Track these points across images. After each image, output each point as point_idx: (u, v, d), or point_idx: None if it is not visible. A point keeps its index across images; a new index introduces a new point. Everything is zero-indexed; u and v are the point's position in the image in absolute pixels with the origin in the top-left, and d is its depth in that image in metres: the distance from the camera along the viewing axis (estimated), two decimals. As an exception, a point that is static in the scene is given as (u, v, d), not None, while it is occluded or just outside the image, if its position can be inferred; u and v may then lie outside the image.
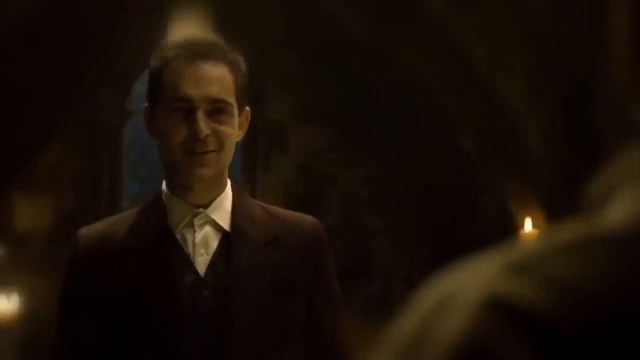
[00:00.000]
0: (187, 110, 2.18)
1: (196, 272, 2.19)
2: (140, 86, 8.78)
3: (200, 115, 2.17)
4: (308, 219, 2.36)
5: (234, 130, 2.24)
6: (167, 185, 2.28)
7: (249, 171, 9.06)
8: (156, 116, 2.23)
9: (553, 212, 6.70)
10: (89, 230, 2.25)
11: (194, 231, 2.21)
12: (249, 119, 2.35)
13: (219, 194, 2.25)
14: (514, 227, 7.15)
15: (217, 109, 2.21)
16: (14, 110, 7.49)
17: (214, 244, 2.22)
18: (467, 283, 0.57)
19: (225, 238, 2.23)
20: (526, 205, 7.19)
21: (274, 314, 2.22)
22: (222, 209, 2.25)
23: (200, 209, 2.23)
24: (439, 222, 8.60)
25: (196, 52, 2.23)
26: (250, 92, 9.82)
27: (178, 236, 2.21)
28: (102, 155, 8.58)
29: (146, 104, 2.27)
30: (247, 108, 2.35)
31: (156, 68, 2.25)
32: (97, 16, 7.43)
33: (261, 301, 2.20)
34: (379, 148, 8.76)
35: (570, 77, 6.09)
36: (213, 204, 2.24)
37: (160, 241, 2.20)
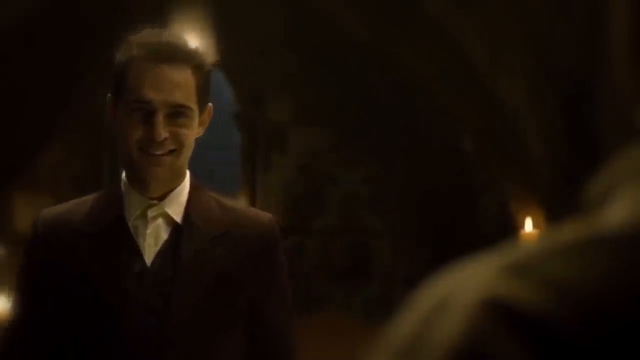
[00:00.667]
0: (147, 111, 2.22)
1: (143, 262, 2.25)
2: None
3: (159, 119, 2.21)
4: (263, 215, 2.43)
5: (193, 131, 2.29)
6: (126, 175, 2.32)
7: (249, 171, 9.06)
8: (117, 110, 2.28)
9: (553, 212, 6.69)
10: (49, 212, 2.34)
11: (147, 222, 2.27)
12: (211, 114, 2.39)
13: (175, 188, 2.32)
14: (514, 228, 7.15)
15: (176, 113, 2.24)
16: (14, 110, 7.49)
17: (165, 235, 2.28)
18: (465, 284, 0.57)
19: (177, 230, 2.29)
20: (526, 206, 7.18)
21: (215, 306, 2.27)
22: (177, 202, 2.31)
23: (155, 201, 2.29)
24: (439, 223, 8.60)
25: (161, 54, 2.25)
26: (250, 92, 9.81)
27: (131, 226, 2.27)
28: (102, 155, 8.58)
29: (109, 95, 2.30)
30: (210, 104, 2.37)
31: (121, 64, 2.28)
32: (97, 16, 7.44)
33: (203, 293, 2.25)
34: (379, 148, 8.76)
35: (570, 77, 6.09)
36: (168, 197, 2.30)
37: (113, 229, 2.27)
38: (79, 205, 2.35)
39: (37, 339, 2.28)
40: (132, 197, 2.30)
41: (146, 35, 2.31)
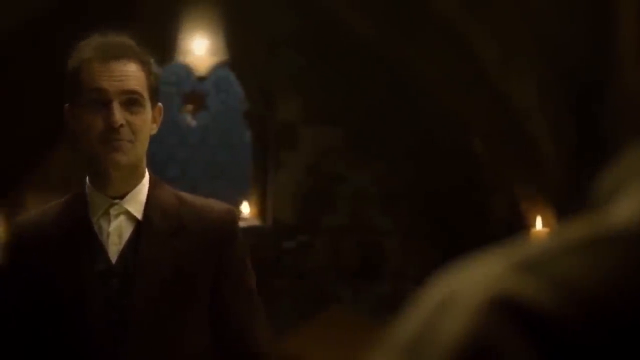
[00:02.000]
0: (103, 102, 2.36)
1: (108, 260, 2.35)
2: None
3: (116, 106, 2.35)
4: (220, 207, 2.50)
5: (147, 124, 2.41)
6: (89, 179, 2.44)
7: (259, 170, 9.06)
8: (75, 113, 2.42)
9: (563, 211, 6.68)
10: (22, 218, 2.52)
11: (110, 221, 2.38)
12: (162, 114, 2.49)
13: (135, 186, 2.42)
14: (525, 227, 7.14)
15: (130, 100, 2.37)
16: (25, 110, 7.51)
17: (127, 233, 2.38)
18: (473, 281, 0.57)
19: (138, 227, 2.39)
20: (536, 206, 7.18)
21: (175, 301, 2.36)
22: (137, 200, 2.41)
23: (117, 200, 2.39)
24: (449, 222, 8.59)
25: (109, 52, 2.40)
26: (261, 92, 9.79)
27: (95, 226, 2.38)
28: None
29: (66, 105, 2.46)
30: (160, 104, 2.48)
31: (73, 68, 2.43)
32: (106, 16, 7.45)
33: (162, 288, 2.34)
34: (389, 148, 8.75)
35: (580, 77, 6.08)
36: (128, 195, 2.40)
37: (78, 231, 2.38)
38: (49, 210, 2.49)
39: (10, 338, 2.38)
40: (95, 198, 2.41)
41: (94, 39, 2.45)
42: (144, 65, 2.43)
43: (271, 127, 8.93)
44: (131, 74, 2.39)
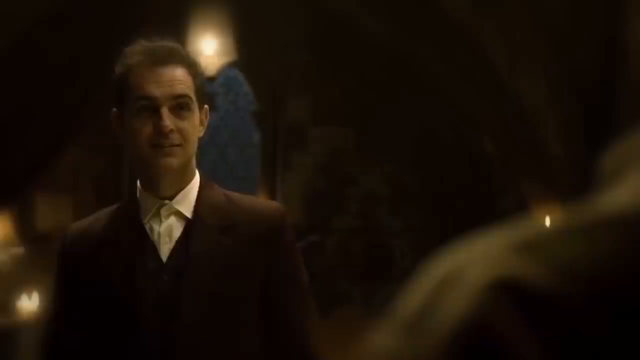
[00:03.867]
0: (152, 108, 2.38)
1: (159, 259, 2.39)
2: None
3: (165, 112, 2.37)
4: (270, 205, 2.55)
5: (195, 126, 2.43)
6: (140, 182, 2.48)
7: (269, 171, 9.07)
8: (123, 118, 2.42)
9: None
10: (76, 225, 2.55)
11: (161, 221, 2.43)
12: (208, 116, 2.51)
13: (185, 186, 2.45)
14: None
15: (179, 105, 2.39)
16: (34, 113, 7.53)
17: (178, 232, 2.43)
18: (475, 261, 0.57)
19: (189, 226, 2.43)
20: (546, 205, 7.17)
21: (225, 296, 2.39)
22: (187, 200, 2.45)
23: (167, 201, 2.43)
24: (458, 222, 8.59)
25: (156, 57, 2.42)
26: (270, 92, 9.80)
27: (147, 227, 2.42)
28: (122, 155, 8.61)
29: (114, 109, 2.46)
30: (206, 106, 2.50)
31: (120, 74, 2.43)
32: (117, 17, 7.46)
33: (213, 283, 2.38)
34: (398, 149, 8.75)
35: (590, 78, 6.08)
36: (178, 196, 2.44)
37: (130, 232, 2.43)
38: (103, 215, 2.53)
39: (70, 339, 2.45)
40: (145, 200, 2.44)
41: (140, 45, 2.46)
42: (191, 68, 2.45)
43: (280, 127, 8.94)
44: (179, 78, 2.41)
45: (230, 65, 8.91)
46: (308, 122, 8.83)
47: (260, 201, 2.58)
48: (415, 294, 0.59)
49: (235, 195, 2.53)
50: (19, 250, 8.18)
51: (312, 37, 8.58)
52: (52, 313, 2.53)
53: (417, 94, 8.48)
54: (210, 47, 8.60)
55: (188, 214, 2.43)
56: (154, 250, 2.41)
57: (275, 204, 2.55)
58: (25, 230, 8.23)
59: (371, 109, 8.67)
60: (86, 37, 7.53)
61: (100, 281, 2.40)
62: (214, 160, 10.31)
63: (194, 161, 2.47)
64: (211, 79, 8.85)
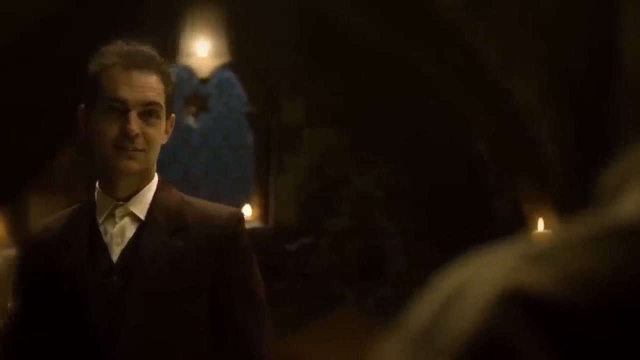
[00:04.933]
0: (121, 111, 2.41)
1: (110, 259, 2.44)
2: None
3: (133, 116, 2.40)
4: (225, 210, 2.54)
5: (161, 134, 2.48)
6: (98, 183, 2.53)
7: (263, 172, 9.07)
8: (91, 116, 2.46)
9: (565, 212, 6.68)
10: (39, 226, 2.62)
11: (115, 222, 2.47)
12: (173, 124, 2.55)
13: (141, 189, 2.49)
14: (527, 228, 7.13)
15: (148, 112, 2.43)
16: (29, 115, 7.51)
17: (130, 233, 2.46)
18: (484, 273, 0.57)
19: (141, 228, 2.47)
20: (539, 206, 7.17)
21: (172, 299, 2.42)
22: (142, 201, 2.48)
23: (121, 202, 2.47)
24: (452, 224, 8.59)
25: (132, 61, 2.45)
26: (263, 94, 9.78)
27: (101, 228, 2.47)
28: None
29: (81, 106, 2.49)
30: (173, 115, 2.54)
31: (94, 73, 2.47)
32: (111, 18, 7.46)
33: (160, 286, 2.41)
34: (391, 149, 8.75)
35: (582, 78, 6.08)
36: (134, 198, 2.48)
37: (85, 232, 2.48)
38: (61, 215, 2.58)
39: (26, 337, 2.51)
40: (102, 201, 2.49)
41: (117, 46, 2.49)
42: (164, 76, 2.48)
43: (274, 129, 8.94)
44: (152, 85, 2.43)
45: (224, 67, 8.90)
46: (302, 123, 8.83)
47: (217, 206, 2.57)
48: (425, 307, 0.59)
49: (193, 199, 2.55)
50: (11, 251, 8.17)
51: (306, 38, 8.57)
52: (10, 313, 2.57)
53: (410, 95, 8.48)
54: (203, 49, 8.59)
55: (142, 215, 2.46)
56: (106, 251, 2.44)
57: (232, 209, 2.55)
58: (18, 232, 8.21)
59: (365, 110, 8.67)
60: (81, 37, 7.52)
61: (53, 281, 2.44)
62: (207, 161, 10.31)
63: (155, 166, 2.51)
64: (205, 81, 8.85)
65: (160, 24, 8.15)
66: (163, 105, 2.45)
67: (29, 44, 7.27)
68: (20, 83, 7.34)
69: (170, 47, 8.43)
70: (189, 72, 9.09)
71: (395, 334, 0.59)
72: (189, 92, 9.34)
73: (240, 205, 8.92)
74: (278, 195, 8.85)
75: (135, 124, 2.39)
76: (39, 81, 7.39)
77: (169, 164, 10.12)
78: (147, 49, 2.50)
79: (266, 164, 9.03)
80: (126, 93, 2.41)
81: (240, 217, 2.53)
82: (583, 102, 6.19)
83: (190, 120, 9.17)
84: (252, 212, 8.92)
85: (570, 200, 6.49)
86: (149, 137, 2.42)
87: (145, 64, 2.45)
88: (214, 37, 8.57)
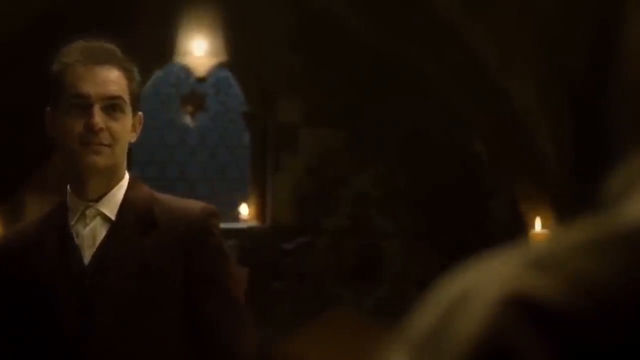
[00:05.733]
0: (85, 106, 2.40)
1: (81, 262, 2.42)
2: (146, 90, 8.76)
3: (97, 110, 2.39)
4: (196, 206, 2.50)
5: (126, 130, 2.44)
6: (70, 185, 2.50)
7: (259, 172, 9.07)
8: (56, 117, 2.46)
9: (563, 212, 6.68)
10: (11, 230, 2.66)
11: (86, 224, 2.45)
12: (142, 123, 2.52)
13: (111, 189, 2.46)
14: (524, 228, 7.14)
15: (111, 106, 2.41)
16: (24, 115, 7.51)
17: (101, 235, 2.44)
18: (487, 279, 0.57)
19: (112, 228, 2.45)
20: (536, 206, 7.18)
21: (143, 300, 2.40)
22: (112, 202, 2.46)
23: (92, 203, 2.45)
24: (450, 223, 8.60)
25: (93, 57, 2.44)
26: (260, 93, 9.78)
27: (72, 230, 2.45)
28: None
29: (48, 109, 2.49)
30: (140, 113, 2.51)
31: (56, 72, 2.47)
32: (106, 18, 7.45)
33: (129, 287, 2.39)
34: (389, 149, 8.76)
35: (581, 77, 6.08)
36: (104, 198, 2.45)
37: (55, 236, 2.45)
38: (34, 219, 2.58)
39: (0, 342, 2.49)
40: (73, 203, 2.46)
41: (77, 44, 2.49)
42: (127, 72, 2.46)
43: (271, 128, 8.94)
44: (114, 79, 2.42)
45: (221, 66, 8.90)
46: (299, 123, 8.83)
47: (188, 202, 2.53)
48: (429, 312, 0.58)
49: (164, 196, 2.52)
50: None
51: (303, 38, 8.57)
52: None
53: (407, 95, 8.48)
54: (200, 48, 8.59)
55: (112, 216, 2.44)
56: (77, 253, 2.42)
57: (203, 205, 2.51)
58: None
59: (362, 109, 8.67)
60: (76, 37, 7.51)
61: (25, 285, 2.43)
62: (204, 161, 10.31)
63: (123, 165, 2.47)
64: (202, 80, 8.84)
65: (157, 23, 8.15)
66: (127, 100, 2.43)
67: (23, 43, 7.26)
68: (15, 83, 7.33)
69: (167, 46, 8.43)
70: (185, 71, 9.09)
71: (398, 339, 0.59)
72: (185, 91, 9.34)
73: (237, 205, 8.93)
74: (275, 194, 8.85)
75: (98, 118, 2.37)
76: (33, 81, 7.38)
77: (167, 163, 10.12)
78: (108, 45, 2.49)
79: (263, 163, 9.03)
80: (88, 87, 2.40)
81: (211, 213, 2.48)
82: (581, 103, 6.20)
83: (187, 120, 9.17)
84: (249, 212, 8.92)
85: (568, 200, 6.49)
86: (113, 132, 2.39)
87: (106, 60, 2.44)
88: (210, 36, 8.57)
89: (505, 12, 6.55)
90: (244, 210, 8.85)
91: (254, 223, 8.83)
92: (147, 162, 10.19)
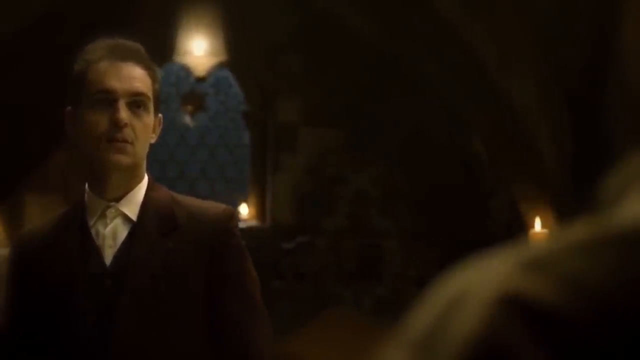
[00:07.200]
0: (109, 101, 2.37)
1: (102, 262, 2.40)
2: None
3: (122, 105, 2.37)
4: (216, 208, 2.49)
5: (149, 128, 2.43)
6: (88, 185, 2.47)
7: (259, 172, 9.06)
8: (78, 114, 2.42)
9: (562, 212, 6.68)
10: (28, 230, 2.61)
11: (106, 224, 2.42)
12: (161, 125, 2.50)
13: (132, 189, 2.44)
14: (524, 228, 7.14)
15: (136, 103, 2.39)
16: (25, 114, 7.51)
17: (122, 235, 2.42)
18: (482, 280, 0.57)
19: (133, 229, 2.42)
20: (536, 206, 7.18)
21: (164, 301, 2.38)
22: (133, 202, 2.44)
23: (113, 203, 2.42)
24: (449, 223, 8.60)
25: (118, 54, 2.42)
26: (260, 92, 9.79)
27: (92, 230, 2.42)
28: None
29: (68, 108, 2.45)
30: (160, 115, 2.50)
31: (80, 70, 2.43)
32: (106, 18, 7.45)
33: (152, 287, 2.38)
34: (388, 149, 8.76)
35: (579, 78, 6.08)
36: (125, 198, 2.43)
37: (75, 236, 2.43)
38: (51, 219, 2.54)
39: (19, 340, 2.47)
40: (92, 202, 2.44)
41: (102, 41, 2.46)
42: (151, 71, 2.45)
43: (270, 128, 8.94)
44: (138, 76, 2.41)
45: (221, 66, 8.90)
46: (298, 122, 8.83)
47: (208, 203, 2.52)
48: (425, 313, 0.59)
49: (183, 197, 2.51)
50: (7, 251, 8.15)
51: (303, 37, 8.57)
52: (3, 319, 2.53)
53: (407, 95, 8.48)
54: (200, 47, 8.59)
55: (133, 216, 2.42)
56: (98, 253, 2.40)
57: (224, 206, 2.50)
58: (14, 231, 8.20)
59: (361, 109, 8.67)
60: (76, 36, 7.50)
61: (45, 286, 2.41)
62: (204, 160, 10.31)
63: (144, 165, 2.46)
64: (201, 79, 8.84)
65: (157, 23, 8.15)
66: (151, 98, 2.42)
67: (24, 42, 7.26)
68: (15, 82, 7.33)
69: (166, 46, 8.43)
70: (185, 70, 9.08)
71: (395, 339, 0.59)
72: (185, 90, 9.34)
73: (236, 204, 8.92)
74: (275, 194, 8.85)
75: (124, 113, 2.35)
76: (33, 80, 7.38)
77: (166, 163, 10.12)
78: (132, 43, 2.47)
79: (263, 162, 9.03)
80: (114, 83, 2.37)
81: (232, 214, 2.48)
82: (581, 102, 6.20)
83: (187, 119, 9.17)
84: (249, 211, 8.92)
85: (568, 199, 6.49)
86: (137, 129, 2.38)
87: (132, 57, 2.42)
88: (210, 35, 8.57)
89: (504, 12, 6.55)
90: (244, 209, 8.85)
91: (253, 223, 8.83)
92: (147, 161, 10.15)
